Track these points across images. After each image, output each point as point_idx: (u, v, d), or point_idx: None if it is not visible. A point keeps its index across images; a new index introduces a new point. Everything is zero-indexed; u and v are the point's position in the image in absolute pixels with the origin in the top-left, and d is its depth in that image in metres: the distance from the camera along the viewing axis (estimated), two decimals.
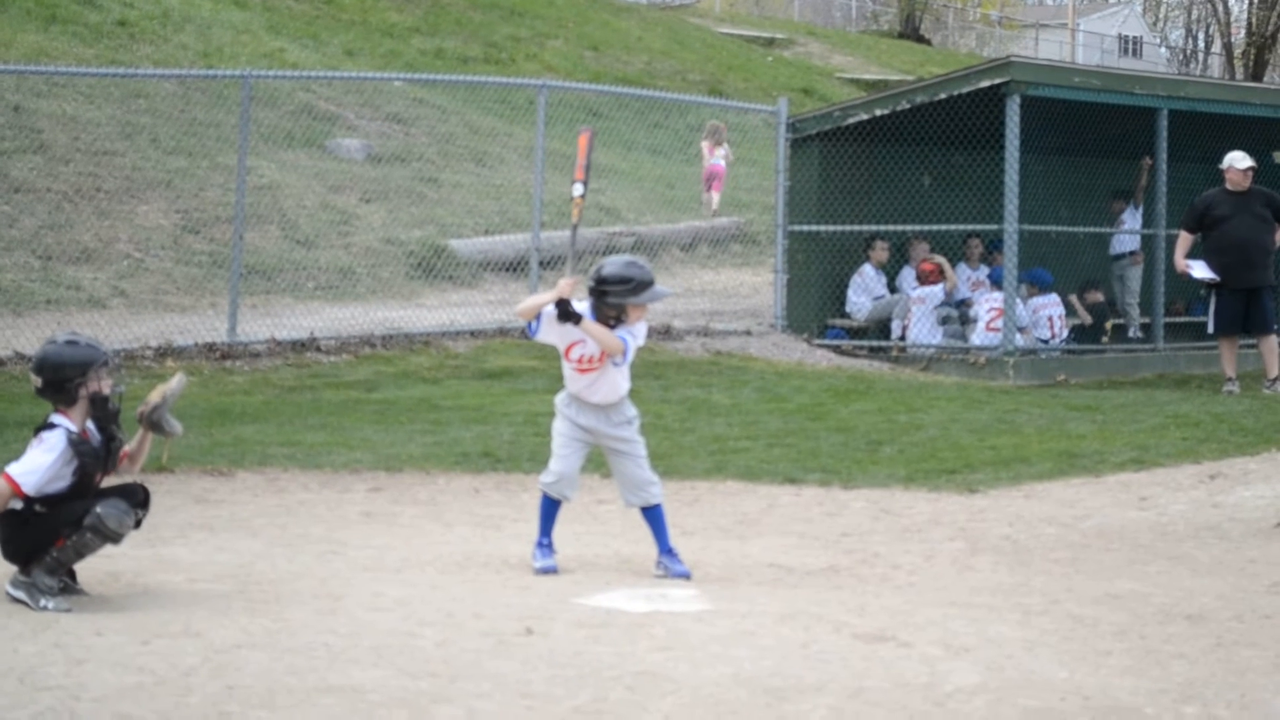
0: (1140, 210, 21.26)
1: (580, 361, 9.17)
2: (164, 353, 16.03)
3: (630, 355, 9.10)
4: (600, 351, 9.08)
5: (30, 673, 6.74)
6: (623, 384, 9.25)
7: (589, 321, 9.02)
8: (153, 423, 8.39)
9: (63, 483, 8.14)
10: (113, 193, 20.62)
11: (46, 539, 8.08)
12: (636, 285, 9.11)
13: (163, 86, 23.79)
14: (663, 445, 12.83)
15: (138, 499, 8.33)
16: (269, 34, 30.81)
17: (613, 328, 9.08)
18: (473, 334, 18.22)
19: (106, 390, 8.25)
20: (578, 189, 9.43)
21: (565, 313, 8.96)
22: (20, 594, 8.06)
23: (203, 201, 21.11)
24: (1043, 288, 20.26)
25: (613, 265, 9.19)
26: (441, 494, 11.83)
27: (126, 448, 8.48)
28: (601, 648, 7.46)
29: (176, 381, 8.53)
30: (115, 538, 8.15)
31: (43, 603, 7.99)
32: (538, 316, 9.07)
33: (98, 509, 8.08)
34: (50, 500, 8.12)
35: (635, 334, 9.14)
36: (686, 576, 9.22)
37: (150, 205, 20.73)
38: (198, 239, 20.43)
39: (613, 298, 9.08)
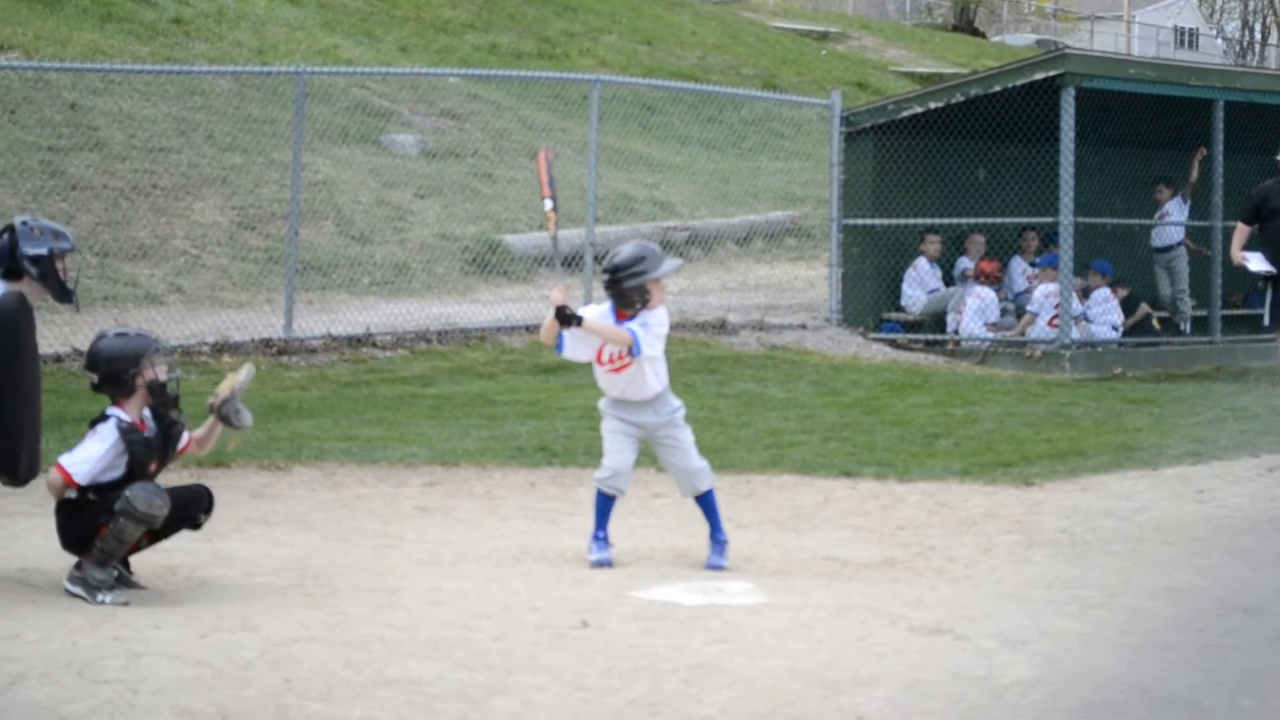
0: (1189, 203, 21.12)
1: (612, 361, 9.25)
2: (220, 349, 16.10)
3: (644, 345, 9.13)
4: None
5: (89, 665, 6.77)
6: (660, 374, 9.32)
7: (590, 319, 9.15)
8: (223, 416, 8.43)
9: (116, 472, 8.17)
10: (169, 190, 20.71)
11: (95, 527, 8.12)
12: (651, 260, 9.21)
13: (218, 83, 23.88)
14: (718, 439, 12.83)
15: (202, 504, 8.37)
16: (323, 31, 30.89)
17: (635, 315, 9.13)
18: (528, 329, 18.21)
19: (163, 377, 8.27)
20: (548, 204, 9.86)
21: (564, 318, 9.09)
22: (77, 589, 8.10)
23: (258, 198, 21.18)
24: (1106, 277, 20.14)
25: (623, 252, 9.30)
26: (497, 488, 11.84)
27: (197, 433, 8.51)
28: (657, 641, 7.47)
29: (245, 373, 8.56)
30: (148, 519, 8.10)
31: (100, 597, 8.02)
32: (560, 335, 9.17)
33: (126, 492, 8.07)
34: (103, 489, 8.17)
35: (649, 323, 9.20)
36: (720, 569, 9.24)
37: (206, 202, 20.82)
38: (253, 235, 20.51)
39: (633, 280, 9.14)
